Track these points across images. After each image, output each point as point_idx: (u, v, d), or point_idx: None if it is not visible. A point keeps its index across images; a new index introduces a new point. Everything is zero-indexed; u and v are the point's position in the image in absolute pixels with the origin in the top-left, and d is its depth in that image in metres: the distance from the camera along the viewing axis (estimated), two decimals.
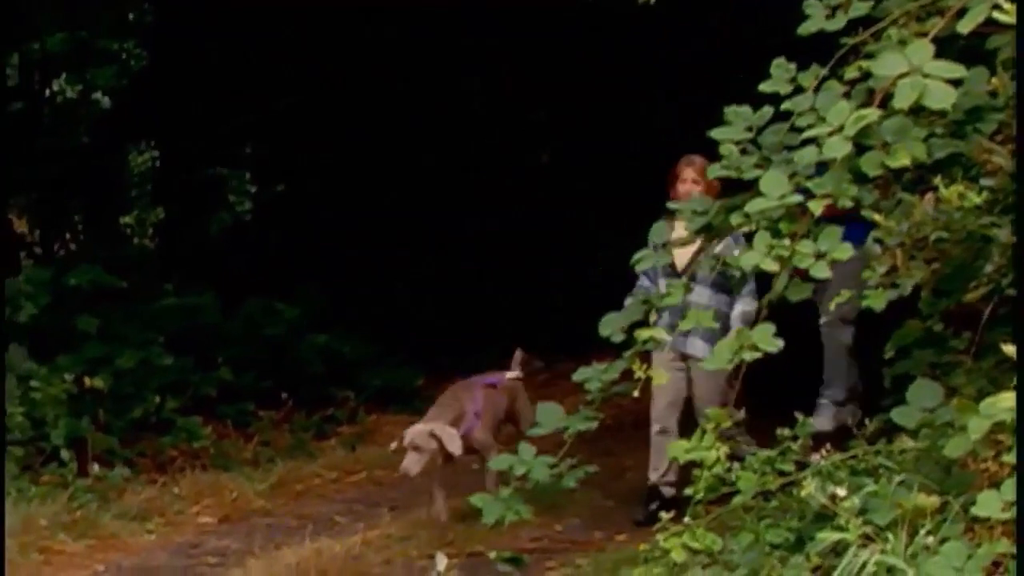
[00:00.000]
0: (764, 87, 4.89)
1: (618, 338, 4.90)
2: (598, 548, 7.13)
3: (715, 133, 4.94)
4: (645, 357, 4.85)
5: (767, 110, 4.86)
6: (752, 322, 6.93)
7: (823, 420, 8.88)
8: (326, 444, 9.90)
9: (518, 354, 8.46)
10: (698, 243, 7.16)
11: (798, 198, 4.53)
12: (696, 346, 7.78)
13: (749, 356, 4.57)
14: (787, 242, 4.53)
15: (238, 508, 8.26)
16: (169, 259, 13.31)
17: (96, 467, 8.61)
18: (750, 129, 4.86)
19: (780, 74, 4.89)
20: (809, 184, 4.55)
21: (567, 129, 13.76)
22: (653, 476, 7.86)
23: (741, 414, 8.66)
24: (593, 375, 5.00)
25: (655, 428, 7.89)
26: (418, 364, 11.54)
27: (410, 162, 13.48)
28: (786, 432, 5.04)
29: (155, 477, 8.73)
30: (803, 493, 4.56)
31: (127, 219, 15.12)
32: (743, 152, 4.83)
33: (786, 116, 4.79)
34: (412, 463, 7.35)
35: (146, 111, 13.74)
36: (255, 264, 12.99)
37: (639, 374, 4.72)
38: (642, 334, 4.76)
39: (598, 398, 4.98)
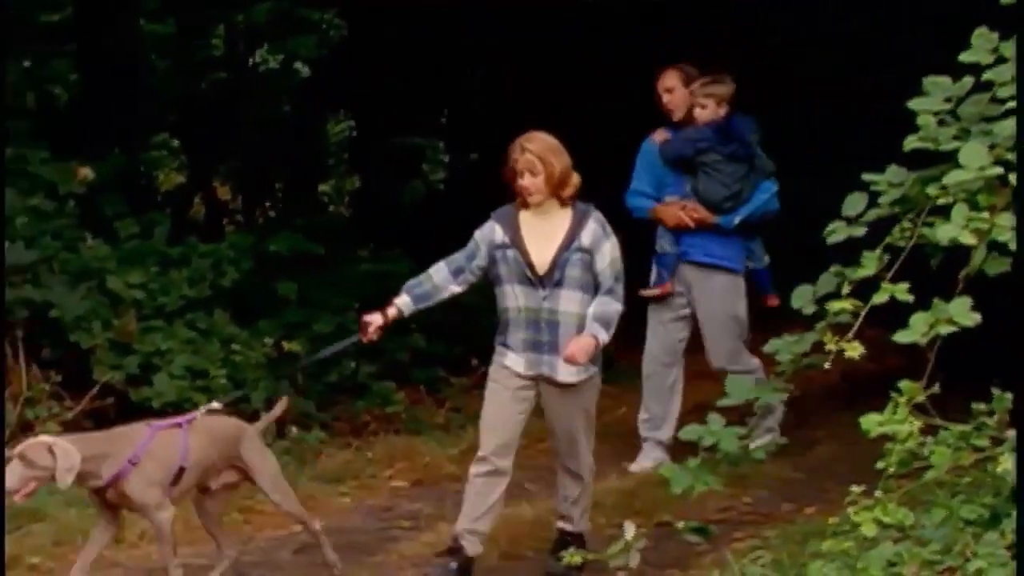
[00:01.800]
0: (964, 57, 4.79)
1: (809, 310, 4.85)
2: (786, 520, 7.07)
3: (913, 104, 4.85)
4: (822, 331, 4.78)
5: (967, 80, 4.76)
6: (614, 323, 6.25)
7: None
8: None
9: (284, 400, 6.83)
10: (561, 239, 6.22)
11: (998, 170, 4.43)
12: (561, 366, 6.23)
13: (945, 330, 4.50)
14: (986, 215, 4.44)
15: (430, 472, 8.35)
16: (364, 227, 13.52)
17: (293, 430, 8.78)
18: (949, 100, 4.77)
19: (982, 44, 4.77)
20: (1010, 156, 4.45)
21: None
22: (463, 523, 6.35)
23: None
24: (784, 347, 4.96)
25: (482, 468, 6.35)
26: None
27: (600, 128, 13.46)
28: (982, 407, 4.94)
29: (350, 441, 8.87)
30: (999, 469, 4.47)
31: (324, 187, 15.40)
32: (941, 123, 4.74)
33: (987, 87, 4.69)
34: (13, 477, 5.66)
35: (344, 81, 13.96)
36: (448, 232, 13.09)
37: (830, 346, 4.67)
38: (834, 306, 4.71)
39: (789, 370, 4.94)
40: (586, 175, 8.29)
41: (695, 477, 4.93)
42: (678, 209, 8.18)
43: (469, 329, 10.69)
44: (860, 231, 4.97)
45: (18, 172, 8.82)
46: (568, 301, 6.20)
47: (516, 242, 6.26)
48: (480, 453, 6.38)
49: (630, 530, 5.12)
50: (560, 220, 6.28)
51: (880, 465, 4.75)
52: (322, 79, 14.38)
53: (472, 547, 6.31)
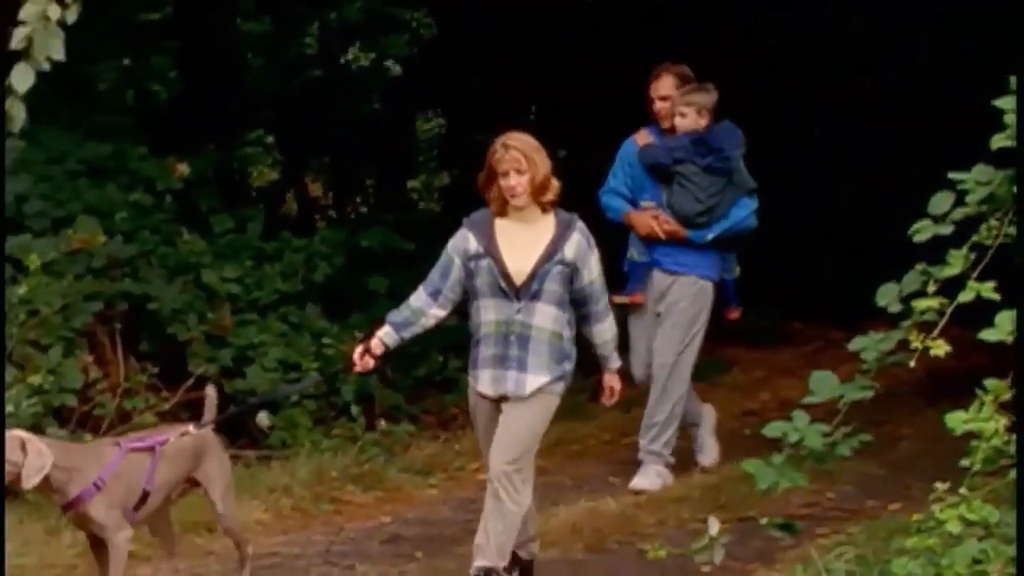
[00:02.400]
0: None
1: (895, 308, 4.82)
2: (871, 517, 7.04)
3: (1000, 102, 4.80)
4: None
5: None
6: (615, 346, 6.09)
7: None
8: (601, 406, 9.94)
9: (210, 393, 6.19)
10: (543, 249, 5.72)
11: None
12: (529, 384, 5.79)
13: None
14: None
15: None
16: (454, 223, 13.54)
17: (383, 423, 8.84)
18: None
19: None
20: None
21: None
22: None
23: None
24: (869, 344, 4.92)
25: (488, 488, 5.97)
26: None
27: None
28: None
29: (438, 433, 8.92)
30: None
31: (414, 184, 15.45)
32: None
33: None
34: None
35: (434, 79, 14.01)
36: None
37: (916, 344, 4.63)
38: (920, 304, 4.68)
39: (874, 367, 4.90)
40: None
41: (780, 473, 4.91)
42: (650, 218, 7.79)
43: None
44: (947, 230, 4.92)
45: (118, 168, 8.95)
46: (543, 316, 5.72)
47: (491, 250, 5.77)
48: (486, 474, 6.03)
49: (714, 525, 5.10)
50: (542, 229, 5.80)
51: (965, 463, 4.70)
52: (412, 77, 14.44)
53: (528, 553, 6.10)
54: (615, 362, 6.07)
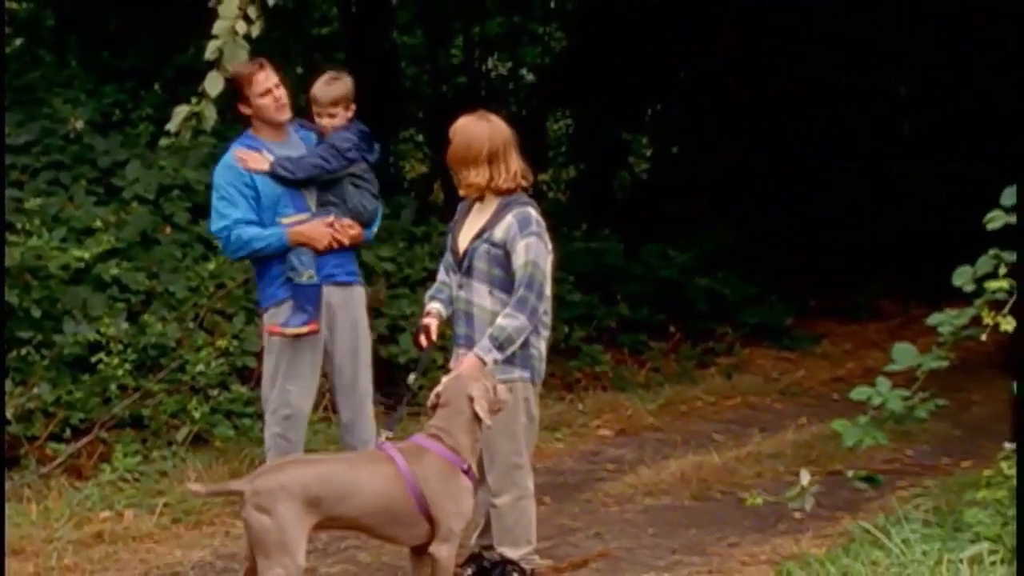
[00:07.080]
0: None
1: (969, 288, 4.77)
2: (945, 472, 6.96)
3: None
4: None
5: None
6: (515, 340, 4.95)
7: None
8: (707, 372, 9.97)
9: None
10: (479, 227, 5.05)
11: None
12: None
13: None
14: None
15: (632, 424, 8.40)
16: (579, 211, 13.60)
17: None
18: None
19: None
20: None
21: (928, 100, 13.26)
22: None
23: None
24: (945, 320, 4.89)
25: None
26: (788, 305, 11.49)
27: (790, 124, 13.23)
28: None
29: (563, 395, 8.96)
30: None
31: (544, 176, 15.52)
32: None
33: None
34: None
35: (563, 84, 14.04)
36: (651, 215, 13.12)
37: (987, 320, 4.59)
38: (991, 285, 4.63)
39: (949, 340, 4.87)
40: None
41: (864, 432, 4.90)
42: (323, 226, 5.74)
43: (669, 301, 10.73)
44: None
45: None
46: (479, 294, 5.04)
47: (452, 227, 5.21)
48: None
49: (805, 477, 5.10)
50: (488, 211, 5.10)
51: None
52: (544, 83, 14.50)
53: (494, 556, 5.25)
54: (488, 354, 4.95)
